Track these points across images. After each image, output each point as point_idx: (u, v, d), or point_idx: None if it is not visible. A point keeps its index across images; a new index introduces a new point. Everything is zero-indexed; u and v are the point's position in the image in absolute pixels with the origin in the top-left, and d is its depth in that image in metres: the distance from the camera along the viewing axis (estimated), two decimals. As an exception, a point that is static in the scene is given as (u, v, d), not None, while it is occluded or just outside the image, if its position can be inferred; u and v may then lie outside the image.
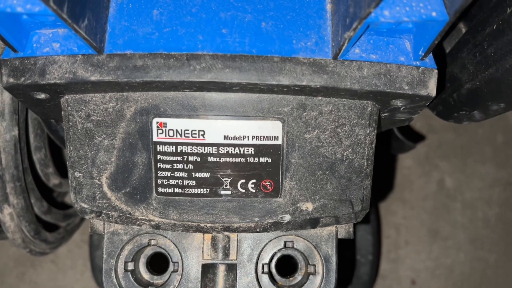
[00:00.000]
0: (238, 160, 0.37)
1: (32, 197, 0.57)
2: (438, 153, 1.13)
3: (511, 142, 1.14)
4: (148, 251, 0.43)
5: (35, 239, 0.58)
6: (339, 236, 0.42)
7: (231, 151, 0.37)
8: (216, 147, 0.37)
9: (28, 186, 0.55)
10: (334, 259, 0.41)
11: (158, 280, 0.42)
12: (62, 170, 0.67)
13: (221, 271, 0.41)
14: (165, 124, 0.36)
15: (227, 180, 0.38)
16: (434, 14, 0.29)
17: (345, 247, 0.79)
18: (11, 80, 0.34)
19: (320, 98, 0.36)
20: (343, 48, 0.32)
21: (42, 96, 0.36)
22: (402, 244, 1.08)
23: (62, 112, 0.37)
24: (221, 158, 0.37)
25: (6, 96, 0.47)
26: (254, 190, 0.38)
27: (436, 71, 0.35)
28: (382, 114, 0.40)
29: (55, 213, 0.65)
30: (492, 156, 1.13)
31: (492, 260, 1.08)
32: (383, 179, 1.10)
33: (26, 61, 0.34)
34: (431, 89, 0.35)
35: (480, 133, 1.14)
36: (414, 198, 1.10)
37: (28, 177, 0.55)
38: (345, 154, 0.38)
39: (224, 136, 0.37)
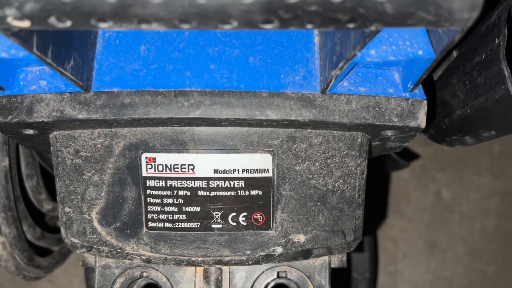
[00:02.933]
0: (228, 193, 0.37)
1: (25, 224, 0.56)
2: (435, 165, 1.12)
3: (507, 153, 1.13)
4: (141, 282, 0.42)
5: (29, 266, 0.58)
6: (332, 266, 0.42)
7: (221, 185, 0.37)
8: (206, 181, 0.37)
9: (20, 214, 0.54)
10: (327, 289, 0.41)
11: (150, 312, 0.42)
12: (55, 194, 0.67)
13: (214, 303, 0.41)
14: (154, 159, 0.36)
15: (218, 214, 0.38)
16: (420, 52, 0.29)
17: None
18: (-1, 118, 0.34)
19: (309, 130, 0.36)
20: (331, 84, 0.32)
21: (31, 132, 0.36)
22: (400, 257, 1.08)
23: (51, 148, 0.37)
24: (211, 192, 0.37)
25: (-4, 127, 0.46)
26: (245, 223, 0.38)
27: (425, 102, 0.35)
28: (373, 143, 0.40)
29: (49, 237, 0.64)
30: (489, 167, 1.13)
31: (490, 271, 1.08)
32: (379, 192, 1.10)
33: (13, 99, 0.34)
34: (421, 120, 0.35)
35: (476, 144, 1.13)
36: (411, 211, 1.10)
37: (20, 205, 0.54)
38: (336, 185, 0.38)
39: (214, 169, 0.37)
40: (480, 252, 1.09)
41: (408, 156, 0.69)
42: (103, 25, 0.22)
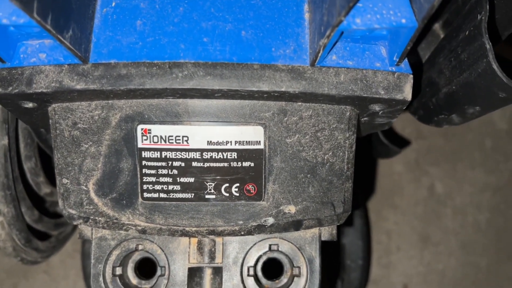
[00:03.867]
0: (221, 164, 0.38)
1: (23, 205, 0.57)
2: (428, 159, 1.14)
3: (499, 147, 1.15)
4: (136, 256, 0.43)
5: (26, 247, 0.59)
6: (323, 238, 0.43)
7: (215, 156, 0.38)
8: (199, 152, 0.38)
9: (19, 194, 0.55)
10: (317, 261, 0.42)
11: (146, 284, 0.43)
12: (53, 179, 0.68)
13: (208, 274, 0.42)
14: (149, 131, 0.37)
15: (211, 185, 0.39)
16: (403, 21, 0.30)
17: (334, 252, 0.80)
18: (-1, 89, 0.35)
19: (300, 103, 0.37)
20: (319, 55, 0.33)
21: (30, 105, 0.37)
22: (394, 249, 1.09)
23: (50, 121, 0.38)
24: (205, 163, 0.38)
25: (-4, 106, 0.48)
26: (237, 194, 0.39)
27: (411, 76, 0.36)
28: (362, 119, 0.41)
29: (47, 221, 0.65)
30: (482, 162, 1.14)
31: (483, 264, 1.09)
32: (373, 185, 1.11)
33: (14, 71, 0.35)
34: (407, 93, 0.36)
35: (469, 138, 1.15)
36: (405, 204, 1.11)
37: (19, 186, 0.55)
38: (325, 158, 0.39)
39: (208, 141, 0.38)
40: (473, 246, 1.10)
41: (400, 143, 0.71)
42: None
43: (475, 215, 1.12)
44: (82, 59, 0.34)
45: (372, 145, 0.75)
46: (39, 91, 0.35)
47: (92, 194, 0.39)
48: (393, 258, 1.08)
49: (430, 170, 1.13)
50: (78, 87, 0.34)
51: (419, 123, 1.14)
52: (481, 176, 1.14)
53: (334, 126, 0.38)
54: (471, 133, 1.15)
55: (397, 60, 0.35)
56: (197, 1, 0.37)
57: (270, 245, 0.43)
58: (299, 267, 0.42)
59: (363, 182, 1.11)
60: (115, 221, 0.39)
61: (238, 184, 0.39)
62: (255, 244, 0.42)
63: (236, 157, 0.38)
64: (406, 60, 0.37)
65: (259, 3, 0.37)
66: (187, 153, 0.38)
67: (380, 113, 0.39)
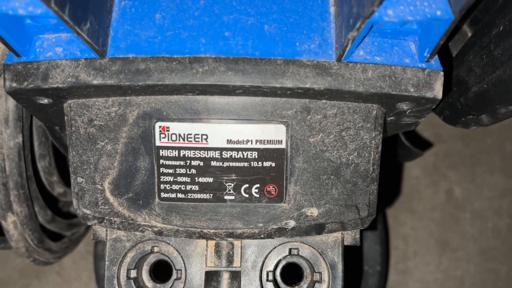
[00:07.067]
0: (241, 164, 0.37)
1: (36, 205, 0.57)
2: (446, 162, 1.11)
3: (520, 152, 1.12)
4: (151, 259, 0.42)
5: (39, 248, 0.58)
6: (345, 243, 0.41)
7: (235, 156, 0.37)
8: (219, 152, 0.37)
9: (32, 194, 0.54)
10: (340, 267, 0.40)
11: (161, 288, 0.42)
12: (66, 178, 0.67)
13: (225, 278, 0.40)
14: (167, 128, 0.36)
15: (231, 185, 0.37)
16: (438, 13, 0.28)
17: (352, 258, 0.78)
18: (14, 84, 0.34)
19: (324, 101, 0.36)
20: (347, 49, 0.31)
21: (45, 101, 0.36)
22: (411, 255, 1.06)
23: (65, 117, 0.37)
24: (224, 163, 0.37)
25: (11, 103, 0.47)
26: (258, 195, 0.37)
27: (442, 73, 0.34)
28: (388, 118, 0.39)
29: (60, 222, 0.64)
30: (502, 166, 1.11)
31: (503, 272, 1.06)
32: (390, 189, 1.09)
33: (29, 65, 0.34)
34: (437, 91, 0.34)
35: (489, 142, 1.12)
36: (422, 209, 1.09)
37: (32, 185, 0.54)
38: (350, 158, 0.37)
39: (227, 140, 0.36)
40: (492, 252, 1.07)
41: (421, 145, 0.69)
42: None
43: (495, 221, 1.09)
44: (100, 53, 0.33)
45: (393, 147, 0.73)
46: (55, 86, 0.33)
47: (108, 194, 0.37)
48: (410, 264, 1.06)
49: (448, 174, 1.11)
50: (95, 82, 0.33)
51: (437, 127, 1.11)
52: (501, 180, 1.11)
53: (360, 125, 0.37)
54: (491, 137, 1.12)
55: (428, 56, 0.33)
56: (218, -6, 0.35)
57: (290, 249, 0.41)
58: (320, 273, 0.40)
59: (381, 187, 1.09)
60: (131, 221, 0.38)
61: (258, 185, 0.37)
62: (275, 248, 0.41)
63: (256, 156, 0.37)
64: (436, 56, 0.35)
65: (282, -3, 0.35)
66: (206, 152, 0.37)
67: (407, 112, 0.37)
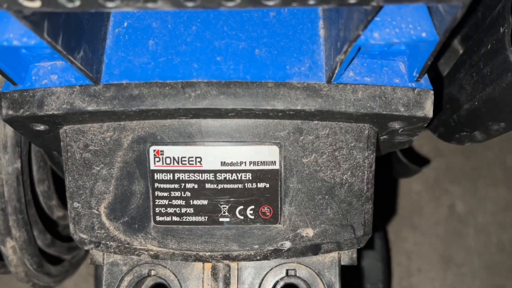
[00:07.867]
0: (235, 186, 0.37)
1: (35, 229, 0.57)
2: (448, 177, 1.11)
3: (522, 164, 1.12)
4: (148, 282, 0.42)
5: (38, 272, 0.58)
6: (342, 263, 0.41)
7: (229, 177, 0.37)
8: (213, 174, 0.37)
9: (31, 218, 0.55)
10: (337, 286, 0.40)
11: (158, 312, 0.41)
12: (66, 202, 0.67)
13: (222, 301, 0.40)
14: (162, 152, 0.36)
15: (225, 207, 0.37)
16: (424, 34, 0.29)
17: (354, 276, 0.77)
18: (10, 112, 0.35)
19: (316, 122, 0.36)
20: (336, 71, 0.32)
21: (41, 127, 0.37)
22: (415, 271, 1.05)
23: (61, 143, 0.38)
24: (219, 185, 0.37)
25: (9, 129, 0.47)
26: (253, 217, 0.37)
27: (432, 92, 0.35)
28: (381, 137, 0.40)
29: (59, 245, 0.64)
30: (504, 179, 1.11)
31: (509, 287, 1.05)
32: (392, 205, 1.08)
33: (25, 93, 0.34)
34: (428, 110, 0.35)
35: (490, 155, 1.12)
36: (425, 224, 1.08)
37: (31, 209, 0.55)
38: (344, 178, 0.37)
39: (221, 162, 0.37)
40: (497, 267, 1.06)
41: (419, 161, 0.69)
42: (110, 4, 0.23)
43: (499, 235, 1.08)
44: (94, 80, 0.33)
45: (391, 164, 0.73)
46: (50, 113, 0.34)
47: (104, 218, 0.38)
48: (414, 280, 1.05)
49: (450, 189, 1.10)
50: (89, 108, 0.34)
51: (437, 141, 1.11)
52: (503, 194, 1.10)
53: (352, 145, 0.37)
54: (492, 150, 1.12)
55: (417, 75, 0.34)
56: (210, 20, 0.36)
57: (287, 270, 0.41)
58: (318, 293, 0.40)
59: (381, 202, 1.08)
60: (127, 245, 0.38)
61: (253, 206, 0.37)
62: (272, 269, 0.41)
63: (250, 178, 0.37)
64: (426, 75, 0.35)
65: (273, 21, 0.36)
66: (200, 174, 0.37)
67: (400, 131, 0.38)
